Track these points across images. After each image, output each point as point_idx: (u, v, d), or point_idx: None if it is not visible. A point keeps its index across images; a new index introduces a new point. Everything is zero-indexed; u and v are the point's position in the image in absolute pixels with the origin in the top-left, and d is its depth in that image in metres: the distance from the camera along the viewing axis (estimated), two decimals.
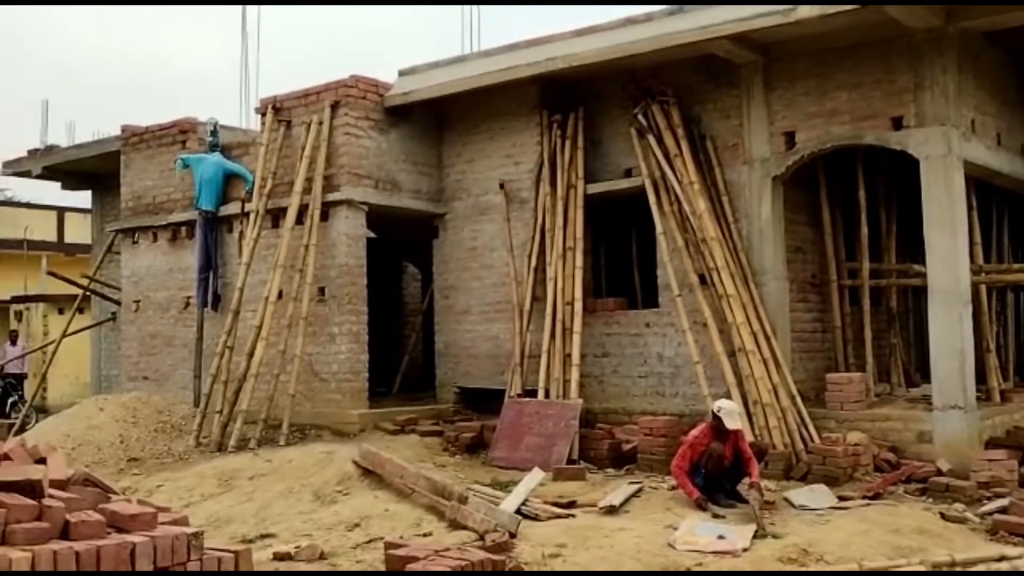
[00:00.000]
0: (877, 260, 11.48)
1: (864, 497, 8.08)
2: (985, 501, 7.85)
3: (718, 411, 8.05)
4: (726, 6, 10.09)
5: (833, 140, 10.14)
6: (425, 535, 7.18)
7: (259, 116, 12.85)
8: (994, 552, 6.39)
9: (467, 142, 12.65)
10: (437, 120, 12.86)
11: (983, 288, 10.99)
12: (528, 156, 12.01)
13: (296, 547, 6.84)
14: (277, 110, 12.49)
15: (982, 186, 11.05)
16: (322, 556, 6.83)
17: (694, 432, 8.30)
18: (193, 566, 4.50)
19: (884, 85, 9.81)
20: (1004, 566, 6.13)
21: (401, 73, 12.92)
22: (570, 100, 11.79)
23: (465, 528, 7.16)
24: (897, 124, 9.71)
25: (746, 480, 7.91)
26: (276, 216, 12.21)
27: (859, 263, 11.22)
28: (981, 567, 6.10)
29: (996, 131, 10.57)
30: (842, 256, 11.37)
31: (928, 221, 9.50)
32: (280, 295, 11.67)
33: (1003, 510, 7.42)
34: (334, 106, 11.92)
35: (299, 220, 11.77)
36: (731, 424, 7.99)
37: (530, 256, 11.67)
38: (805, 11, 9.21)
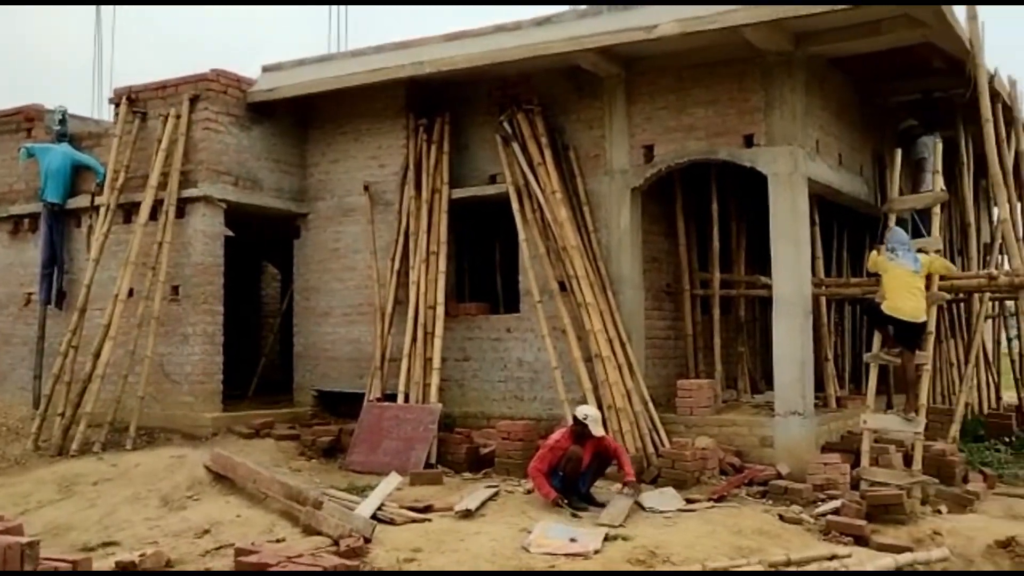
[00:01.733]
0: (727, 271, 11.98)
1: (710, 499, 8.41)
2: (820, 503, 8.27)
3: (584, 419, 8.24)
4: (592, 19, 10.37)
5: (690, 155, 10.51)
6: (278, 541, 7.05)
7: (112, 107, 12.32)
8: (826, 551, 6.76)
9: (332, 142, 12.49)
10: (302, 119, 12.64)
11: (823, 300, 11.61)
12: (394, 159, 11.96)
13: (141, 555, 6.61)
14: (132, 101, 12.01)
15: (824, 203, 11.67)
16: (168, 564, 6.62)
17: (554, 436, 8.46)
18: None
19: (738, 104, 10.24)
20: (835, 564, 6.49)
21: (265, 69, 12.65)
22: (437, 104, 11.81)
23: (320, 533, 7.08)
24: (748, 142, 10.15)
25: (596, 482, 8.16)
26: (128, 211, 11.74)
27: (711, 273, 11.69)
28: (814, 566, 6.45)
29: (839, 152, 11.18)
30: (695, 266, 11.81)
31: (774, 235, 9.97)
32: (131, 293, 11.22)
33: (836, 511, 7.84)
34: (193, 100, 11.56)
35: (153, 216, 11.35)
36: (597, 431, 8.24)
37: (393, 259, 11.61)
38: (667, 28, 9.53)
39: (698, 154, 10.47)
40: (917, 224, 11.11)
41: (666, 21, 9.54)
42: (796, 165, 9.89)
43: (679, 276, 11.75)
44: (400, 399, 10.86)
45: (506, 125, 11.19)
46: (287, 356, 13.68)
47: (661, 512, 7.95)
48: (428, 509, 7.97)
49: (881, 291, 9.53)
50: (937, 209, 10.59)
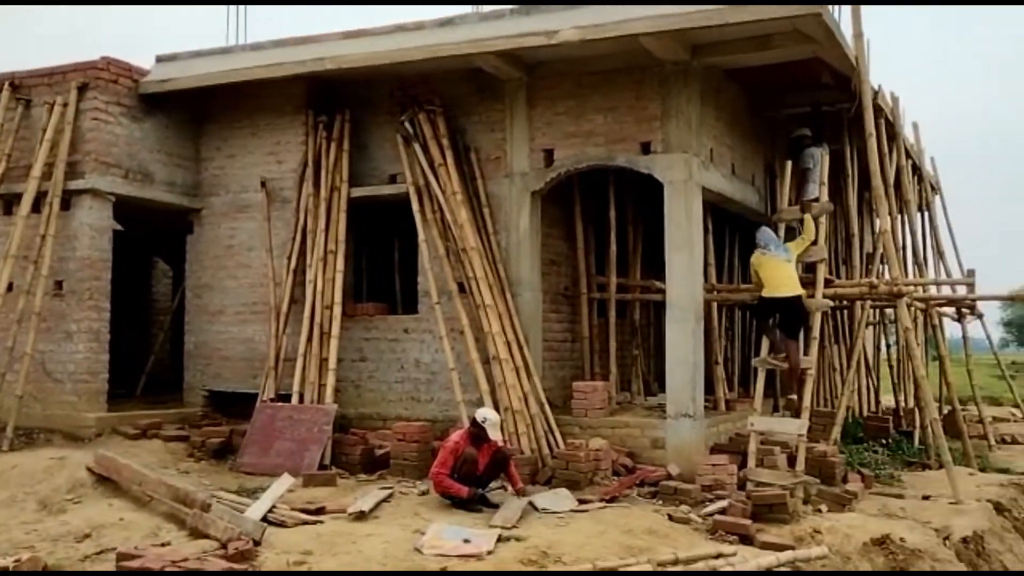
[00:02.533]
0: (624, 275, 12.19)
1: (602, 500, 8.53)
2: (708, 503, 8.48)
3: (483, 421, 8.27)
4: (495, 22, 10.40)
5: (588, 160, 10.65)
6: (163, 545, 6.84)
7: None
8: (712, 550, 6.93)
9: (228, 136, 12.22)
10: (198, 111, 12.32)
11: (715, 305, 11.91)
12: (292, 155, 11.77)
13: (16, 560, 6.32)
14: (15, 87, 11.50)
15: (717, 211, 11.99)
16: (45, 569, 6.35)
17: (453, 438, 8.45)
18: None
19: (636, 111, 10.43)
20: (720, 563, 6.66)
21: (159, 60, 12.29)
22: (338, 102, 11.67)
23: (207, 537, 6.90)
24: (646, 149, 10.35)
25: (493, 484, 8.21)
26: (9, 202, 11.27)
27: (607, 278, 11.87)
28: (700, 564, 6.60)
29: (732, 161, 11.50)
30: (592, 270, 11.99)
31: (669, 241, 10.19)
32: (10, 288, 10.75)
33: (723, 511, 8.06)
34: (82, 88, 11.15)
35: (36, 208, 10.90)
36: (494, 435, 8.28)
37: (290, 257, 11.43)
38: (567, 35, 9.64)
39: (597, 160, 10.62)
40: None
41: (567, 27, 9.65)
42: (691, 173, 10.13)
43: (577, 280, 11.91)
44: (294, 399, 10.69)
45: (407, 125, 11.13)
46: (177, 355, 13.31)
47: (554, 513, 8.03)
48: (321, 511, 7.86)
49: (757, 282, 10.28)
50: (823, 219, 10.99)
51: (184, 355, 12.40)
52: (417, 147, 11.03)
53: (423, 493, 8.57)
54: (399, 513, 7.90)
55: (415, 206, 11.01)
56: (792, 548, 7.16)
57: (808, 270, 10.93)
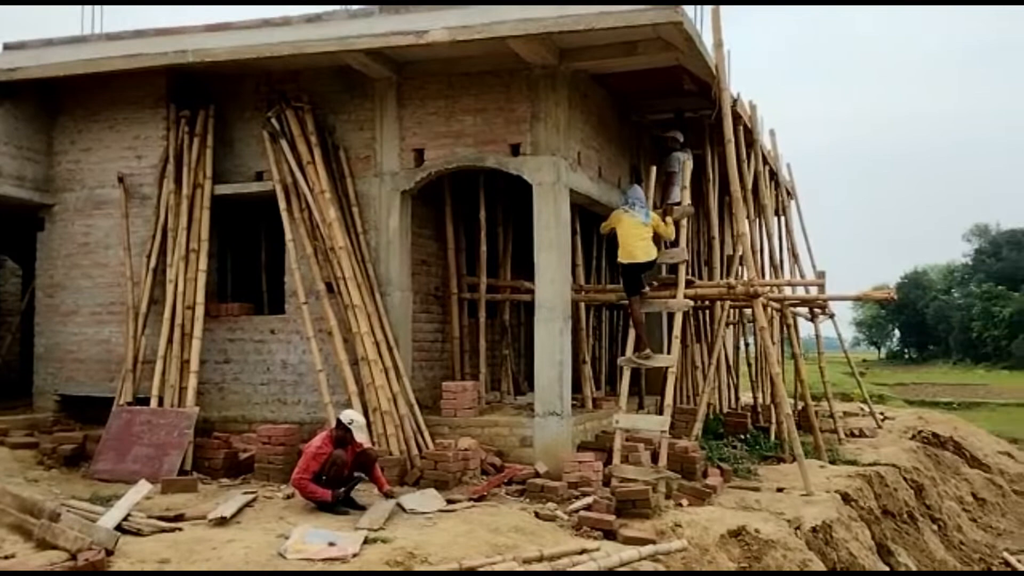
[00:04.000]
0: (494, 276, 12.28)
1: (470, 499, 8.57)
2: (574, 500, 8.63)
3: (349, 423, 8.16)
4: (364, 20, 10.31)
5: (459, 160, 10.68)
6: (6, 557, 6.49)
7: None
8: (576, 546, 7.06)
9: (84, 129, 11.69)
10: (50, 103, 11.74)
11: (582, 305, 12.12)
12: (152, 150, 11.35)
13: None
14: None
15: (585, 213, 12.21)
16: None
17: (315, 442, 8.31)
18: None
19: (505, 113, 10.51)
20: (584, 558, 6.78)
21: (7, 47, 11.71)
22: (202, 96, 11.32)
23: (56, 548, 6.57)
24: (515, 150, 10.45)
25: (361, 486, 8.14)
26: None
27: (478, 278, 11.93)
28: (564, 560, 6.71)
29: (599, 164, 11.72)
30: (463, 271, 12.02)
31: (538, 242, 10.31)
32: None
33: (588, 507, 8.22)
34: None
35: None
36: (360, 438, 8.18)
37: (149, 256, 11.02)
38: (436, 35, 9.63)
39: (467, 160, 10.65)
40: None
41: (437, 28, 9.64)
42: (559, 175, 10.28)
43: (447, 280, 11.92)
44: (153, 403, 10.31)
45: (274, 121, 10.91)
46: (27, 358, 12.65)
47: (422, 513, 8.01)
48: (179, 518, 7.61)
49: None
50: (684, 222, 11.34)
51: (34, 358, 11.80)
52: (284, 144, 10.81)
53: (288, 497, 8.41)
54: (263, 518, 7.73)
55: (282, 204, 10.79)
56: (653, 542, 7.37)
57: (671, 271, 11.25)
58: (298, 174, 10.70)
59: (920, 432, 16.96)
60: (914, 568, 9.72)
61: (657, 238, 10.79)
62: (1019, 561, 11.50)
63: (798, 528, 8.42)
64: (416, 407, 10.24)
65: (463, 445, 9.64)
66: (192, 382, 10.35)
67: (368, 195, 10.91)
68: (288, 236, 10.78)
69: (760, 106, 13.90)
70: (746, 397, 16.40)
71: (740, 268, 13.56)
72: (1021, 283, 72.88)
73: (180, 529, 7.29)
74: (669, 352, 10.67)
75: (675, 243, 11.12)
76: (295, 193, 10.79)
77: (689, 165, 11.85)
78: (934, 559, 10.63)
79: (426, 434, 10.06)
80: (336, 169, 10.92)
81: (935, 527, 11.85)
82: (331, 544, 6.76)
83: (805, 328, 16.66)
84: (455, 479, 9.22)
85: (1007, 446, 19.44)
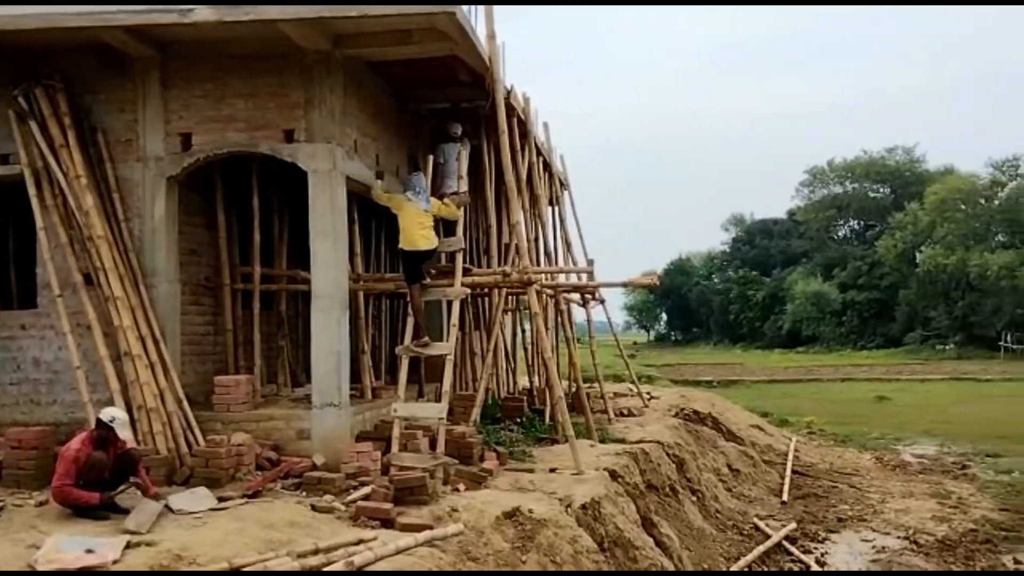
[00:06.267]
0: (270, 266, 11.95)
1: (244, 496, 8.32)
2: (352, 490, 8.58)
3: (111, 421, 7.73)
4: None
5: (229, 146, 10.30)
6: None
7: None
8: (353, 537, 7.02)
9: None
10: None
11: (361, 295, 12.04)
12: None
13: None
14: None
15: (363, 201, 12.11)
16: None
17: (73, 445, 7.79)
18: None
19: (279, 98, 10.23)
20: (361, 549, 6.75)
21: None
22: None
23: None
24: (289, 137, 10.20)
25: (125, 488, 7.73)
26: None
27: (252, 267, 11.57)
28: (341, 552, 6.66)
29: (376, 152, 11.66)
30: (236, 260, 11.63)
31: (314, 231, 10.14)
32: None
33: (366, 497, 8.20)
34: None
35: None
36: (125, 435, 7.79)
37: None
38: (203, 14, 9.24)
39: (238, 146, 10.30)
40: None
41: (203, 7, 9.25)
42: (335, 163, 10.14)
43: (219, 270, 11.49)
44: None
45: (22, 100, 10.10)
46: None
47: (192, 513, 7.70)
48: None
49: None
50: (461, 211, 11.50)
51: None
52: (34, 125, 10.03)
53: (42, 504, 7.85)
54: (12, 528, 7.18)
55: (32, 190, 10.03)
56: (430, 528, 7.44)
57: (450, 259, 11.38)
58: (50, 158, 9.96)
59: (682, 410, 18.15)
60: (675, 537, 10.37)
61: (438, 226, 10.90)
62: (767, 525, 12.52)
63: (569, 506, 8.76)
64: (186, 403, 9.81)
65: (236, 440, 9.34)
66: None
67: (131, 181, 10.32)
68: (40, 224, 10.04)
69: (535, 98, 14.31)
70: (524, 382, 16.88)
71: (516, 257, 13.90)
72: (772, 269, 79.32)
73: None
74: (447, 340, 10.79)
75: (452, 232, 11.25)
76: (47, 178, 10.05)
77: (466, 155, 12.01)
78: (692, 528, 11.40)
79: (197, 431, 9.66)
80: (95, 153, 10.25)
81: (694, 498, 12.69)
82: (89, 551, 6.38)
83: (580, 314, 17.34)
84: (228, 476, 8.93)
85: (758, 420, 21.18)
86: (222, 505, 7.99)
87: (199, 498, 8.10)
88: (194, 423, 9.72)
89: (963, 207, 64.08)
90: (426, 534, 7.23)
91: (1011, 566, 11.16)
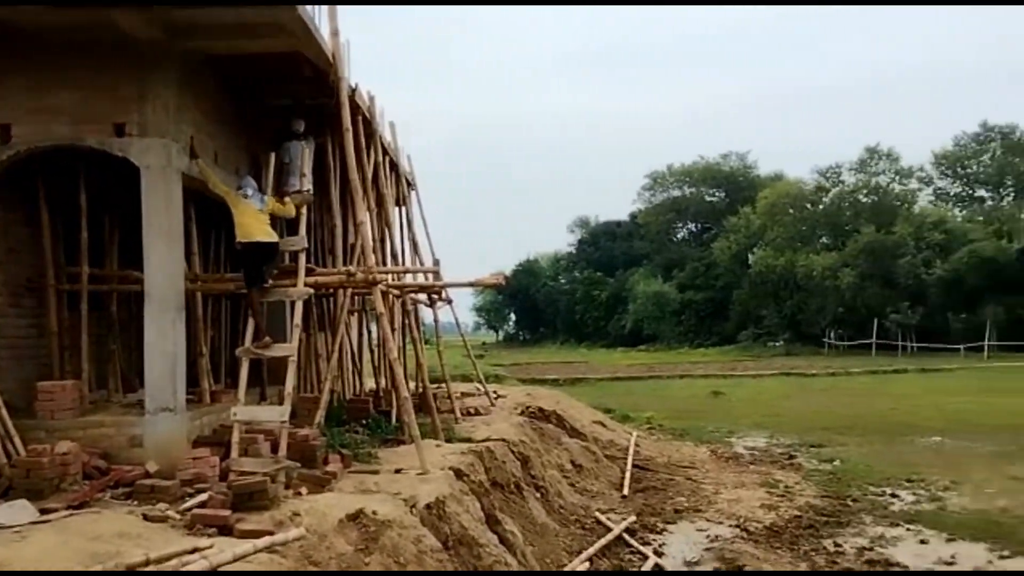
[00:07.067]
0: (99, 266, 11.39)
1: (69, 507, 7.89)
2: (189, 498, 8.28)
3: None
4: None
5: (54, 139, 9.78)
6: None
7: None
8: (188, 545, 6.78)
9: None
10: None
11: (199, 295, 11.64)
12: None
13: None
14: None
15: (202, 199, 11.70)
16: None
17: None
18: None
19: (109, 91, 9.78)
20: (195, 557, 6.53)
21: None
22: None
23: None
24: (120, 131, 9.76)
25: None
26: None
27: (79, 267, 11.00)
28: (174, 561, 6.42)
29: (215, 150, 11.29)
30: (61, 260, 11.03)
31: (147, 229, 9.74)
32: None
33: (203, 504, 7.93)
34: None
35: None
36: None
37: None
38: None
39: (64, 139, 9.79)
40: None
41: None
42: (170, 159, 9.78)
43: (43, 270, 10.86)
44: None
45: None
46: None
47: (10, 528, 7.25)
48: None
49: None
50: (304, 210, 11.30)
51: None
52: None
53: None
54: None
55: None
56: (271, 533, 7.28)
57: (292, 259, 11.16)
58: None
59: (528, 408, 18.42)
60: (519, 533, 10.52)
61: (280, 225, 10.67)
62: (608, 519, 12.87)
63: (413, 506, 8.74)
64: (4, 410, 9.21)
65: (61, 449, 8.84)
66: None
67: None
68: None
69: (382, 98, 14.24)
70: (370, 383, 16.74)
71: (361, 256, 13.77)
72: (615, 270, 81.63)
73: None
74: (289, 341, 10.58)
75: (296, 231, 11.04)
76: None
77: (310, 153, 11.80)
78: (536, 523, 11.58)
79: (16, 440, 9.08)
80: None
81: (539, 494, 12.90)
82: None
83: (429, 315, 17.35)
84: (52, 487, 8.45)
85: (601, 416, 21.74)
86: (44, 518, 7.56)
87: (19, 511, 7.63)
88: (13, 432, 9.13)
89: (791, 211, 67.89)
90: (265, 540, 7.06)
91: (832, 550, 11.86)
